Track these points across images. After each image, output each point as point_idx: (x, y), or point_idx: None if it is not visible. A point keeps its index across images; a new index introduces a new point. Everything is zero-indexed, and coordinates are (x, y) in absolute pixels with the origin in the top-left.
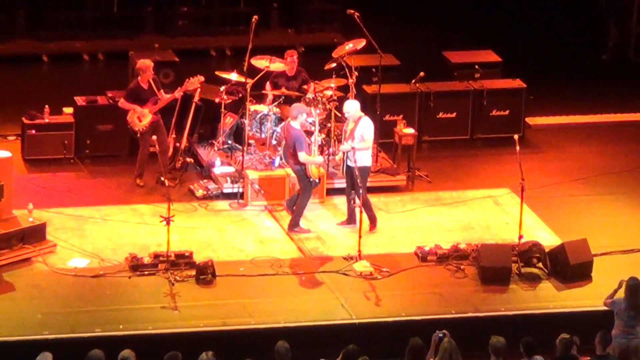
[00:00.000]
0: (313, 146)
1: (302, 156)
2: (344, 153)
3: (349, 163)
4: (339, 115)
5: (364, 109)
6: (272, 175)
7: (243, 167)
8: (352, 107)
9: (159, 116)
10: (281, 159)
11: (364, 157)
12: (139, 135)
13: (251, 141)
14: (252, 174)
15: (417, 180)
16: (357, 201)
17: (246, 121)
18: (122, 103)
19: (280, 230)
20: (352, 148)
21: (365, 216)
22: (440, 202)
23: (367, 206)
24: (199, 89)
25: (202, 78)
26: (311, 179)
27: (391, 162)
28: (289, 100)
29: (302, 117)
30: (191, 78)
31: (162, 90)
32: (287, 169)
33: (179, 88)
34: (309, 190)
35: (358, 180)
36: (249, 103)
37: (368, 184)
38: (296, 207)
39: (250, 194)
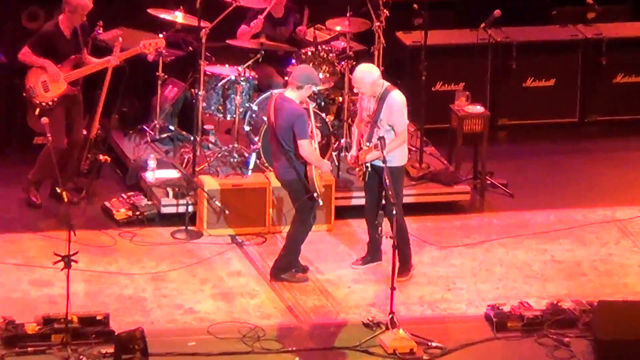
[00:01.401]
0: (313, 143)
1: (305, 147)
2: (362, 162)
3: (374, 163)
4: None
5: (394, 74)
6: (243, 184)
7: (195, 170)
8: (364, 79)
9: (78, 88)
10: (260, 158)
11: (400, 153)
12: (38, 112)
13: (208, 127)
14: (210, 183)
15: (490, 193)
16: (387, 225)
17: (200, 93)
18: (25, 54)
19: (257, 277)
20: (381, 154)
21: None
22: (528, 230)
23: (402, 235)
24: (120, 40)
25: (162, 42)
26: (315, 195)
27: (445, 162)
28: (271, 58)
29: (308, 91)
30: (144, 40)
31: (86, 49)
32: (271, 174)
33: (119, 52)
34: (309, 215)
35: (387, 187)
36: (204, 62)
37: (405, 199)
38: (287, 242)
39: (208, 215)
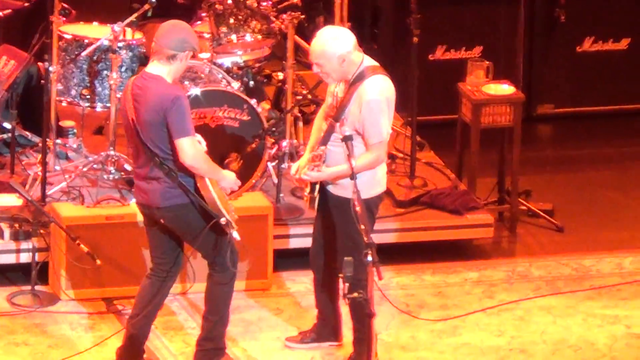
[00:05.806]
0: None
1: (189, 149)
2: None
3: (332, 190)
4: (305, 46)
5: (366, 34)
6: (125, 216)
7: (46, 195)
8: (329, 51)
9: None
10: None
11: (368, 178)
12: None
13: (67, 123)
14: (70, 215)
15: (526, 226)
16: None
17: (52, 69)
18: None
19: None
20: (349, 166)
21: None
22: (588, 286)
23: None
24: None
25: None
26: (222, 220)
27: (451, 175)
28: (168, 10)
29: (184, 62)
30: None
31: None
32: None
33: None
34: (225, 257)
35: (358, 217)
36: (58, 18)
37: (387, 237)
38: (208, 310)
39: (68, 268)
